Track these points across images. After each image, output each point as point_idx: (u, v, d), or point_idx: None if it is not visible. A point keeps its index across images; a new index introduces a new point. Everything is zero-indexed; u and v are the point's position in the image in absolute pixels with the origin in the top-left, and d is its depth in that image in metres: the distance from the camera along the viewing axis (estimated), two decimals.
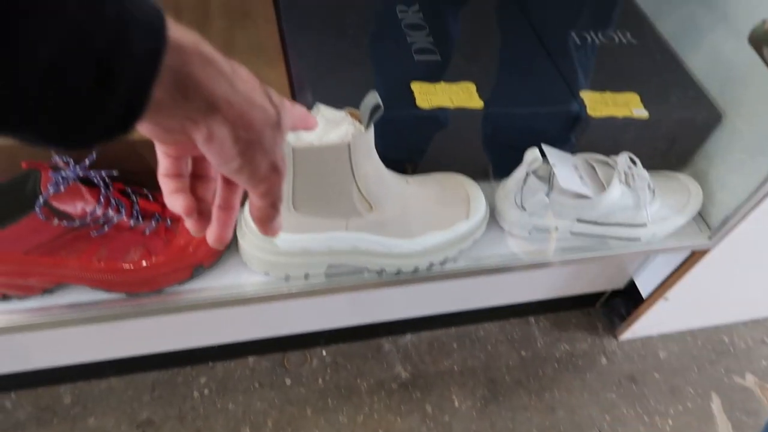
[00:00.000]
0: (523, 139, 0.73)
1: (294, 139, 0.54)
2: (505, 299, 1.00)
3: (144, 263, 0.58)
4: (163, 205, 0.61)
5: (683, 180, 0.81)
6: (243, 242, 0.63)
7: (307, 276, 0.66)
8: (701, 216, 0.83)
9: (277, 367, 0.95)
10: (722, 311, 1.13)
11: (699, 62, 0.83)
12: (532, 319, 1.08)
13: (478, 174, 0.77)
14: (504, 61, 0.76)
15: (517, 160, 0.71)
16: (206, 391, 0.91)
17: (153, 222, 0.59)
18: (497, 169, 0.78)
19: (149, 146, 0.59)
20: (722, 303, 1.09)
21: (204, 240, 0.61)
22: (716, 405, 1.03)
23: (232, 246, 0.65)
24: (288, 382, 0.94)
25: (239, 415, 0.89)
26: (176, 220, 0.60)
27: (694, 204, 0.79)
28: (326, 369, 0.96)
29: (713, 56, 0.80)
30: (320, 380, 0.95)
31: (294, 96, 0.66)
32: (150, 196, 0.61)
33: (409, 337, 1.02)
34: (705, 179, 0.82)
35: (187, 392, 0.90)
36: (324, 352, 0.98)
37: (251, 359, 0.95)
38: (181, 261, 0.60)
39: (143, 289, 0.60)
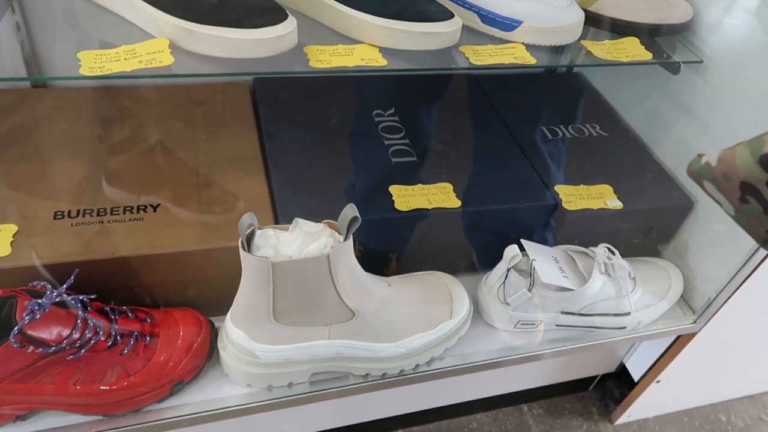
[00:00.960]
0: (502, 231, 0.75)
1: (273, 253, 0.55)
2: (495, 390, 0.98)
3: (122, 384, 0.57)
4: (142, 322, 0.60)
5: (663, 265, 0.82)
6: (224, 354, 0.62)
7: (290, 385, 0.65)
8: (684, 299, 0.84)
9: None
10: (717, 389, 1.11)
11: (667, 152, 0.86)
12: (525, 407, 1.05)
13: (462, 264, 0.77)
14: (478, 158, 0.79)
15: (499, 249, 0.71)
16: None
17: (131, 340, 0.57)
18: (481, 258, 0.79)
19: (132, 263, 0.59)
20: (716, 381, 1.07)
21: (184, 356, 0.60)
22: None
23: (213, 358, 0.64)
24: None
25: None
26: (155, 336, 0.59)
27: (676, 289, 0.80)
28: None
29: (680, 146, 0.83)
30: None
31: (274, 205, 0.67)
32: (129, 313, 0.60)
33: None
34: (684, 263, 0.83)
35: None
36: None
37: None
38: (160, 379, 0.58)
39: (121, 409, 0.58)
